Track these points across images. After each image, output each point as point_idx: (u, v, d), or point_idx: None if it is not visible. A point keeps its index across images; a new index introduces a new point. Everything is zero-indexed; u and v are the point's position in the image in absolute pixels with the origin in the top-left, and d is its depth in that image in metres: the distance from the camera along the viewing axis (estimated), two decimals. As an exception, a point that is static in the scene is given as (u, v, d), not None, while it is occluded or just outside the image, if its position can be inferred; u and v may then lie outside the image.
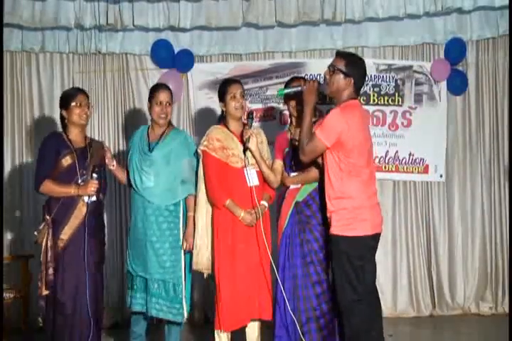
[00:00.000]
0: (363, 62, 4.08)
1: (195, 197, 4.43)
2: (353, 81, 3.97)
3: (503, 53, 6.12)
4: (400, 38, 6.16)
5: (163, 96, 4.49)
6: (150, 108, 4.54)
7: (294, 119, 4.51)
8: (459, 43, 6.10)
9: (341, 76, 3.96)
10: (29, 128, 6.12)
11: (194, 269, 4.46)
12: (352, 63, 3.99)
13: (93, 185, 4.25)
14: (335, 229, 3.95)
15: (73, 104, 4.33)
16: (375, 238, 4.00)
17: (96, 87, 6.17)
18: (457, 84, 6.17)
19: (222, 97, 4.43)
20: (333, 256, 3.99)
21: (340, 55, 4.06)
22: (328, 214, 4.00)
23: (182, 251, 4.43)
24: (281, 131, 4.77)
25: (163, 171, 4.42)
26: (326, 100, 4.11)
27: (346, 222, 3.91)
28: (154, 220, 4.39)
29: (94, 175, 4.28)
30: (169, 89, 4.59)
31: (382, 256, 6.15)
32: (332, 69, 3.98)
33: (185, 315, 4.42)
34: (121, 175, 4.59)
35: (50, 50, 6.12)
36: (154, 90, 4.56)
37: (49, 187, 4.27)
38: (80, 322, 4.22)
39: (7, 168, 6.07)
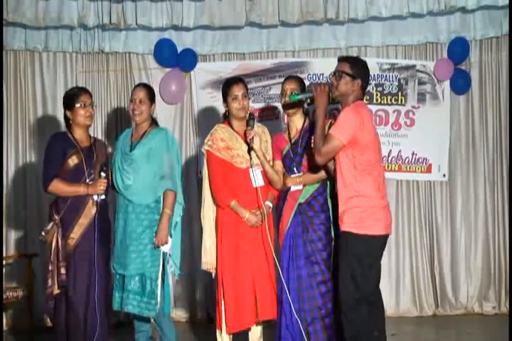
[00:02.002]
0: (366, 63, 4.11)
1: (203, 197, 4.44)
2: (360, 83, 4.01)
3: (507, 52, 6.10)
4: (403, 37, 6.15)
5: (136, 93, 4.49)
6: None
7: (290, 119, 4.52)
8: (462, 43, 6.09)
9: (348, 79, 3.99)
10: (32, 127, 6.13)
11: (203, 269, 4.46)
12: (357, 65, 4.02)
13: (102, 184, 4.28)
14: (346, 226, 3.93)
15: (78, 105, 4.33)
16: (386, 238, 4.01)
17: (99, 86, 6.19)
18: (460, 84, 6.17)
19: (224, 98, 4.44)
20: (342, 252, 3.97)
21: (343, 59, 4.10)
22: (340, 213, 3.98)
23: (161, 249, 4.39)
24: (283, 130, 4.76)
25: (142, 169, 4.39)
26: (330, 101, 4.12)
27: (359, 220, 3.90)
28: (135, 218, 4.37)
29: (103, 174, 4.30)
30: (147, 87, 4.59)
31: (385, 256, 6.08)
32: (339, 74, 4.01)
33: (158, 310, 4.36)
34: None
35: (54, 49, 6.13)
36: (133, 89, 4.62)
37: (58, 186, 4.27)
38: (92, 320, 4.24)
39: (11, 167, 6.08)
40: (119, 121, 6.20)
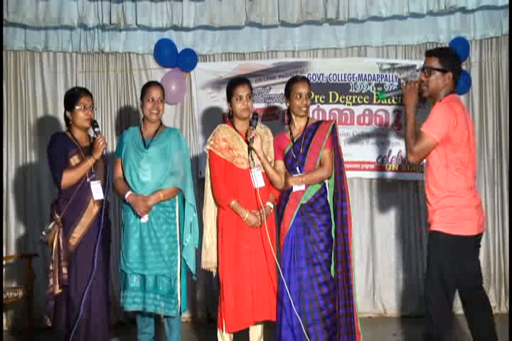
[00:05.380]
0: (454, 51, 4.02)
1: (205, 196, 4.47)
2: (451, 75, 3.91)
3: (507, 52, 6.10)
4: (403, 37, 6.15)
5: (154, 92, 4.52)
6: (142, 105, 4.58)
7: (293, 118, 4.53)
8: (462, 42, 6.08)
9: (439, 74, 3.89)
10: (32, 127, 6.13)
11: (203, 268, 4.48)
12: (447, 57, 3.91)
13: (101, 141, 4.30)
14: (437, 226, 3.84)
15: (77, 107, 4.34)
16: (478, 237, 3.93)
17: (99, 86, 6.19)
18: (460, 84, 6.02)
19: (229, 97, 4.45)
20: (431, 251, 3.88)
21: (430, 53, 3.96)
22: (430, 212, 3.90)
23: (178, 246, 4.45)
24: (284, 130, 4.76)
25: (159, 167, 4.45)
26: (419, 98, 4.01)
27: (452, 219, 3.81)
28: (151, 215, 4.40)
29: (97, 130, 4.34)
30: (161, 85, 4.63)
31: (385, 256, 6.18)
32: (427, 71, 3.90)
33: (179, 309, 4.42)
34: None
35: (54, 50, 6.13)
36: (146, 87, 4.60)
37: (69, 176, 4.27)
38: (94, 320, 4.25)
39: (11, 167, 6.08)
40: (119, 120, 6.20)
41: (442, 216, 3.84)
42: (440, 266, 3.83)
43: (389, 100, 6.11)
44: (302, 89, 4.45)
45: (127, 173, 4.48)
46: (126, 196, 4.41)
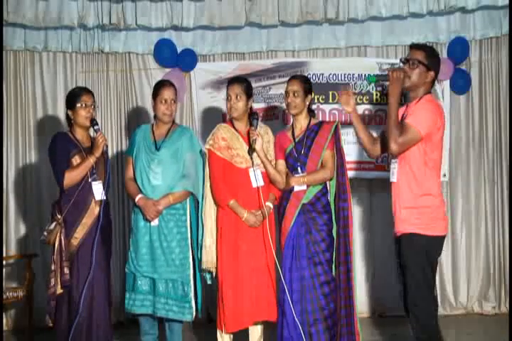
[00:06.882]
0: (438, 53, 3.97)
1: (205, 196, 4.44)
2: (433, 75, 3.83)
3: (507, 52, 6.11)
4: (403, 37, 6.15)
5: (167, 93, 4.47)
6: (154, 106, 4.52)
7: (294, 118, 4.53)
8: (462, 42, 6.09)
9: (423, 69, 3.79)
10: (32, 127, 6.13)
11: (204, 268, 4.45)
12: (432, 56, 3.84)
13: (101, 139, 4.29)
14: (414, 228, 3.75)
15: (78, 105, 4.34)
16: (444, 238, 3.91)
17: (99, 86, 6.18)
18: (460, 84, 6.16)
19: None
20: (407, 254, 3.79)
21: (418, 47, 3.88)
22: (403, 210, 3.80)
23: (190, 249, 4.43)
24: (286, 129, 4.76)
25: (170, 170, 4.41)
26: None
27: (427, 220, 3.75)
28: (161, 219, 4.38)
29: (96, 128, 4.33)
30: (173, 85, 4.56)
31: (385, 256, 6.16)
32: (413, 62, 3.80)
33: (194, 313, 4.40)
34: None
35: (53, 50, 6.14)
36: (159, 87, 4.52)
37: (71, 176, 4.24)
38: (96, 321, 4.24)
39: (11, 167, 6.08)
40: (119, 120, 6.20)
41: (417, 217, 3.75)
42: (422, 266, 3.77)
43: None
44: (290, 86, 4.45)
45: (138, 175, 4.45)
46: (137, 199, 4.38)
